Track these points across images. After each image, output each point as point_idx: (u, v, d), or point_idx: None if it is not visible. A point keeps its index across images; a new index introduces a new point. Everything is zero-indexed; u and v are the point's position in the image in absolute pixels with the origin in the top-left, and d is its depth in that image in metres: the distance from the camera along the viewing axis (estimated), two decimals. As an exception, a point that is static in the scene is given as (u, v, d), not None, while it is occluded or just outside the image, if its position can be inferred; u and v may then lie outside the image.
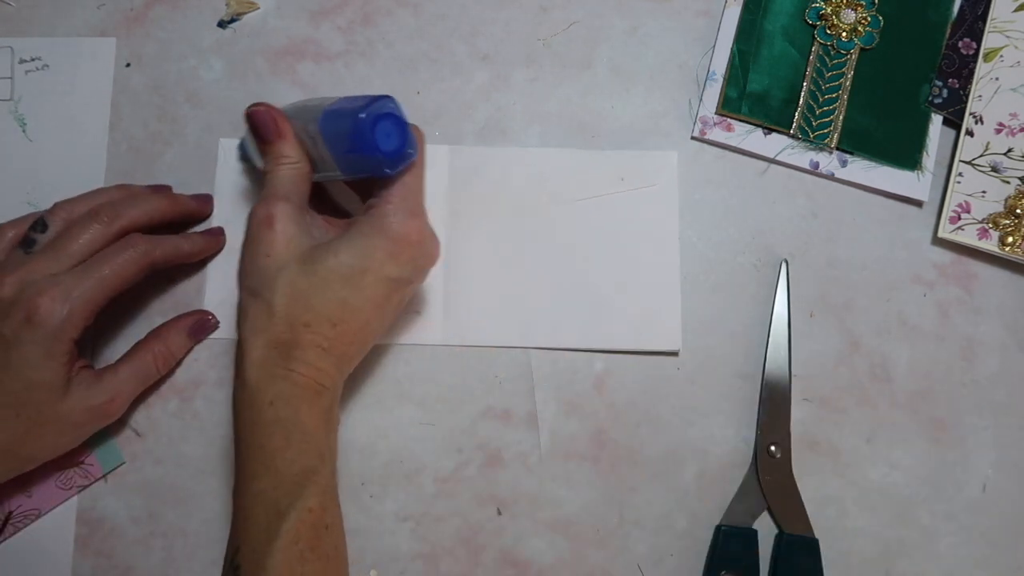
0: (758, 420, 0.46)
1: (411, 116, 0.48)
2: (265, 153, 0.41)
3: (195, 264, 0.47)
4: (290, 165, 0.40)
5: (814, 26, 0.49)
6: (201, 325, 0.46)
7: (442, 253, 0.47)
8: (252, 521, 0.36)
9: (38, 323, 0.38)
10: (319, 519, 0.36)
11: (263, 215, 0.38)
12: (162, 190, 0.47)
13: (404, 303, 0.41)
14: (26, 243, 0.41)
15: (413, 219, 0.38)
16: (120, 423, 0.45)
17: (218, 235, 0.47)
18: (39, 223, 0.42)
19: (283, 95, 0.49)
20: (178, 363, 0.46)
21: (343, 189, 0.46)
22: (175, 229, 0.47)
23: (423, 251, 0.39)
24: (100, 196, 0.44)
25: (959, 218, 0.47)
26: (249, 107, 0.41)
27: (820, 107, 0.48)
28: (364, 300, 0.38)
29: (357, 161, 0.38)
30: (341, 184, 0.46)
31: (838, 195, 0.48)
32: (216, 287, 0.47)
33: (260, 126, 0.41)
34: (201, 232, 0.46)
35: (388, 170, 0.37)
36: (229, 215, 0.48)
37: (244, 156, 0.48)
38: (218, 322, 0.46)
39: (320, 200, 0.45)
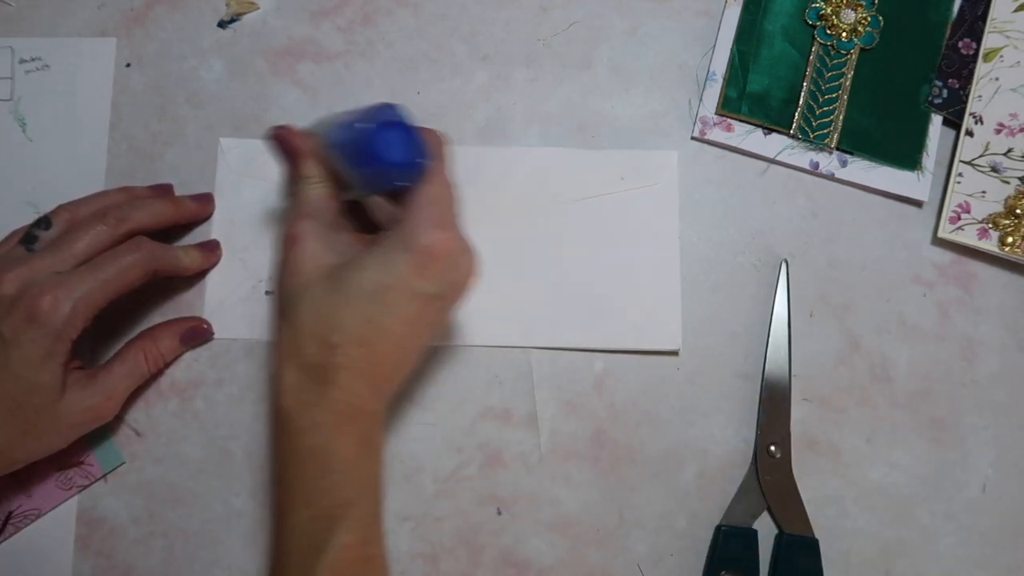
0: (758, 420, 0.46)
1: (411, 116, 0.49)
2: (289, 175, 0.40)
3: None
4: (313, 184, 0.39)
5: (814, 26, 0.49)
6: (194, 332, 0.46)
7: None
8: (289, 557, 0.35)
9: (41, 322, 0.37)
10: (359, 554, 0.35)
11: (288, 234, 0.37)
12: (164, 190, 0.47)
13: (442, 322, 0.39)
14: (27, 239, 0.41)
15: (438, 231, 0.36)
16: (120, 423, 0.45)
17: (215, 249, 0.47)
18: (42, 220, 0.41)
19: (283, 95, 0.49)
20: (167, 364, 0.46)
21: (383, 206, 0.43)
22: (177, 230, 0.47)
23: (453, 264, 0.36)
24: (105, 199, 0.43)
25: (959, 218, 0.47)
26: (270, 129, 0.40)
27: (820, 107, 0.48)
28: (392, 318, 0.35)
29: (367, 175, 0.36)
30: (381, 201, 0.42)
31: (838, 195, 0.48)
32: (216, 291, 0.47)
33: (279, 147, 0.40)
34: (198, 245, 0.46)
35: (399, 182, 0.35)
36: (229, 215, 0.48)
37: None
38: (212, 333, 0.46)
39: (361, 221, 0.43)
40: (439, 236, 0.36)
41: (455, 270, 0.37)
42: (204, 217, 0.47)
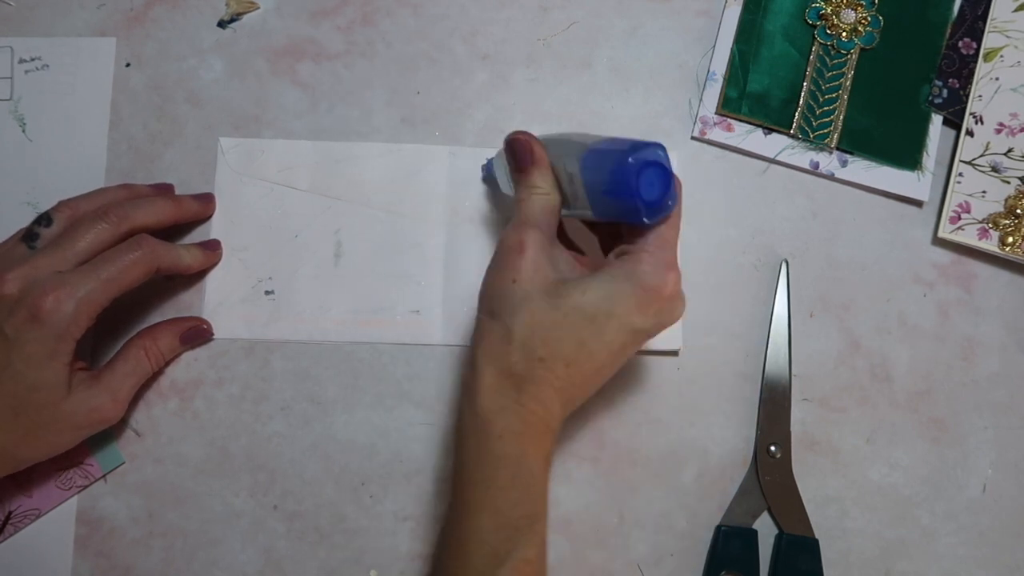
0: (758, 420, 0.46)
1: (411, 116, 0.49)
2: (518, 181, 0.40)
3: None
4: (542, 195, 0.39)
5: (814, 26, 0.49)
6: (194, 332, 0.46)
7: (442, 253, 0.47)
8: (467, 559, 0.35)
9: (43, 322, 0.37)
10: (534, 570, 0.35)
11: (514, 240, 0.37)
12: (165, 189, 0.47)
13: (633, 354, 0.39)
14: (29, 237, 0.41)
15: (668, 272, 0.36)
16: (120, 423, 0.45)
17: (216, 248, 0.47)
18: (43, 218, 0.41)
19: (283, 95, 0.49)
20: (167, 363, 0.46)
21: (580, 228, 0.44)
22: (177, 230, 0.47)
23: (671, 306, 0.37)
24: (105, 195, 0.43)
25: (959, 218, 0.47)
26: (511, 133, 0.40)
27: (820, 107, 0.48)
28: (602, 345, 0.36)
29: (614, 205, 0.36)
30: (578, 223, 0.44)
31: (838, 195, 0.48)
32: (215, 292, 0.47)
33: (519, 153, 0.40)
34: (200, 244, 0.46)
35: (646, 219, 0.36)
36: (229, 215, 0.48)
37: (488, 177, 0.47)
38: (212, 333, 0.46)
39: (558, 236, 0.43)
40: (670, 278, 0.36)
41: (670, 311, 0.37)
42: (205, 216, 0.47)
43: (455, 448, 0.38)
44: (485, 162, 0.47)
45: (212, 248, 0.46)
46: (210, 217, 0.47)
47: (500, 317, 0.36)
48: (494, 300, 0.37)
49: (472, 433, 0.36)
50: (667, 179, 0.36)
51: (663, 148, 0.36)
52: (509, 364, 0.36)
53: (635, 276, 0.36)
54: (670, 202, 0.36)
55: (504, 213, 0.48)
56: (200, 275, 0.47)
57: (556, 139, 0.41)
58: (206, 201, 0.47)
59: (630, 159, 0.35)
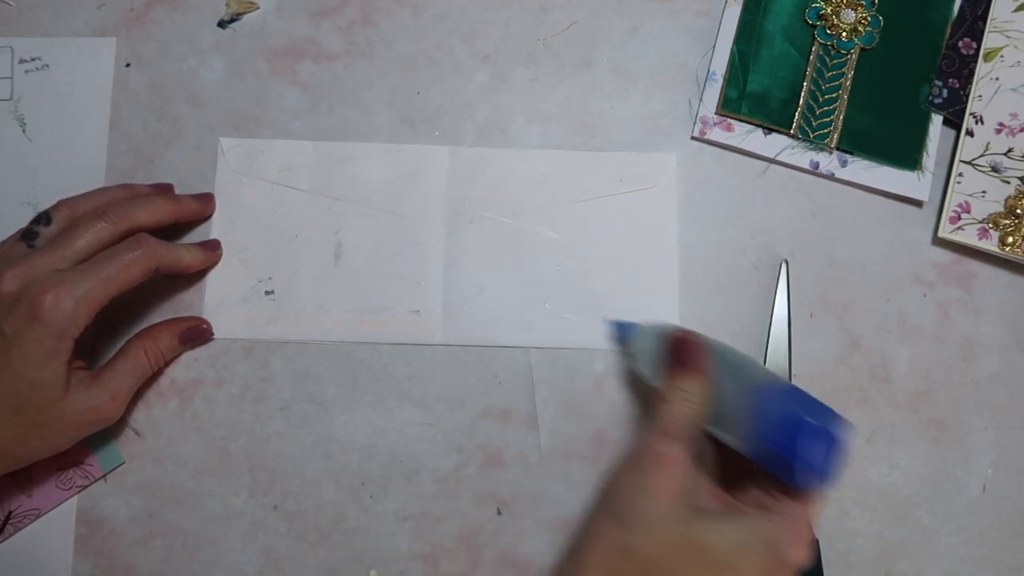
0: (758, 420, 0.46)
1: (411, 116, 0.49)
2: (670, 380, 0.38)
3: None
4: (690, 405, 0.37)
5: (814, 26, 0.49)
6: (194, 332, 0.46)
7: (442, 253, 0.47)
8: None
9: (42, 320, 0.37)
10: None
11: (659, 452, 0.35)
12: (165, 189, 0.47)
13: None
14: (28, 236, 0.41)
15: (801, 546, 0.34)
16: (120, 423, 0.45)
17: (216, 248, 0.47)
18: (43, 216, 0.41)
19: (283, 95, 0.49)
20: (166, 363, 0.46)
21: (706, 443, 0.40)
22: (177, 229, 0.47)
23: (787, 575, 0.35)
24: (105, 195, 0.43)
25: (959, 218, 0.47)
26: (681, 330, 0.39)
27: (820, 107, 0.48)
28: None
29: (775, 454, 0.34)
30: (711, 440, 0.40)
31: (838, 195, 0.48)
32: (215, 291, 0.47)
33: (682, 354, 0.38)
34: (200, 244, 0.46)
35: (799, 484, 0.34)
36: (229, 215, 0.48)
37: (620, 341, 0.46)
38: (212, 333, 0.46)
39: None
40: (800, 553, 0.35)
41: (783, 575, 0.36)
42: (205, 216, 0.47)
43: None
44: (622, 324, 0.45)
45: (212, 248, 0.46)
46: (210, 217, 0.47)
47: (626, 526, 0.35)
48: (624, 506, 0.35)
49: None
50: (837, 458, 0.34)
51: (851, 429, 0.34)
52: None
53: (769, 540, 0.34)
54: (829, 480, 0.34)
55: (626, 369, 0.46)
56: (200, 275, 0.47)
57: (726, 353, 0.39)
58: (206, 201, 0.47)
59: (816, 422, 0.33)
